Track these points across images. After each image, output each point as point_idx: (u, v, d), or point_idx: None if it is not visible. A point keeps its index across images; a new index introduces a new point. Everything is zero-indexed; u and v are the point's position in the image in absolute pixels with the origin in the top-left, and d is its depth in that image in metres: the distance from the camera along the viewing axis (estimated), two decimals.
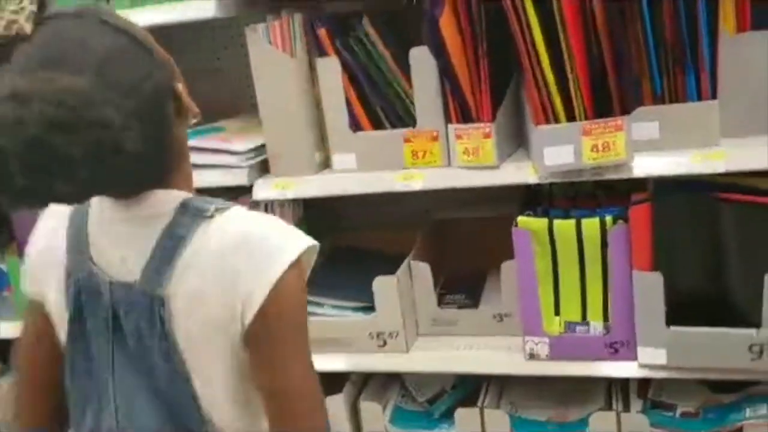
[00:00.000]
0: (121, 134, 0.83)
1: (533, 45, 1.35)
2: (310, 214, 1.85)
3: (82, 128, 0.81)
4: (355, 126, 1.58)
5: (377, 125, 1.58)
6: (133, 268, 0.96)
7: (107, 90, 0.84)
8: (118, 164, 0.85)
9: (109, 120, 0.83)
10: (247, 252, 0.93)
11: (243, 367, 0.99)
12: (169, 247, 0.94)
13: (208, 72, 2.03)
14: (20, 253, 1.95)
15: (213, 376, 0.98)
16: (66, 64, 0.84)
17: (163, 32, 1.66)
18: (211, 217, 0.95)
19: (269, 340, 0.95)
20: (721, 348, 1.42)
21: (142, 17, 1.61)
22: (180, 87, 0.97)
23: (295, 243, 0.95)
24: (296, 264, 0.93)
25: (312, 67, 1.60)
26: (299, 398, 0.97)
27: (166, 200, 0.96)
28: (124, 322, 0.97)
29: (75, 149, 0.81)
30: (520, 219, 1.50)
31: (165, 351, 0.96)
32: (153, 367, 0.98)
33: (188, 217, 0.95)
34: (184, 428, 0.99)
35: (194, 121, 1.00)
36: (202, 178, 1.67)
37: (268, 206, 1.80)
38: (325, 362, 1.68)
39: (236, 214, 0.97)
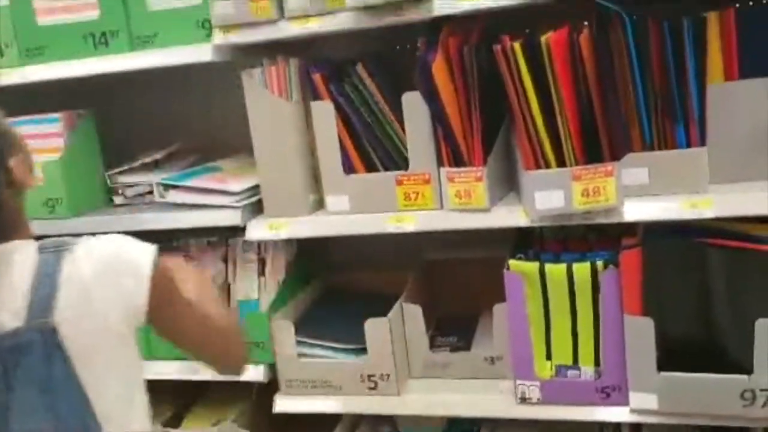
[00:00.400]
0: None
1: (524, 92, 1.38)
2: (303, 254, 1.86)
3: None
4: (349, 168, 1.60)
5: (370, 168, 1.59)
6: (7, 317, 1.05)
7: None
8: None
9: None
10: (120, 268, 1.11)
11: (131, 372, 1.17)
12: (45, 283, 1.06)
13: (206, 111, 2.05)
14: None
15: (105, 389, 1.11)
16: None
17: (163, 73, 1.70)
18: (70, 249, 1.09)
19: (163, 316, 1.16)
20: (713, 394, 1.42)
21: (141, 60, 1.65)
22: (13, 161, 1.09)
23: (147, 247, 1.15)
24: (156, 261, 1.13)
25: (307, 111, 1.62)
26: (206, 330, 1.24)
27: (15, 249, 1.09)
28: (17, 372, 1.05)
29: None
30: (512, 262, 1.51)
31: (65, 375, 1.06)
32: (54, 399, 1.05)
33: (51, 254, 1.08)
34: None
35: (32, 189, 1.15)
36: (195, 218, 1.70)
37: (261, 246, 1.81)
38: (315, 404, 1.69)
39: (91, 241, 1.12)
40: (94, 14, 1.68)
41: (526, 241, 1.64)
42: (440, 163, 1.51)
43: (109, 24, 1.68)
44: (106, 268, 1.09)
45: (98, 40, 1.69)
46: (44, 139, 1.80)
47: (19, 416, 1.05)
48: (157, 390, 1.96)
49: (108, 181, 1.88)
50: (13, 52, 1.75)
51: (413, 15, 1.43)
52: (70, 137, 1.81)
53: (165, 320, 1.18)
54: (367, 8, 1.45)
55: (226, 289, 1.84)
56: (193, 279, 1.31)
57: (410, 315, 1.67)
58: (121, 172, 1.88)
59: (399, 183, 1.55)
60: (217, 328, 1.26)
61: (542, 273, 1.50)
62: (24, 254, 1.08)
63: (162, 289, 1.14)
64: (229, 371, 1.37)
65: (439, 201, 1.53)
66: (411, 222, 1.54)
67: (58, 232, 1.79)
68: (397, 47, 1.75)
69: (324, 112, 1.57)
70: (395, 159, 1.57)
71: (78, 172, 1.82)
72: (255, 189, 1.69)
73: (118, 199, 1.88)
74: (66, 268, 1.07)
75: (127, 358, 1.15)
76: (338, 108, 1.57)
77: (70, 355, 1.06)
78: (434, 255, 1.88)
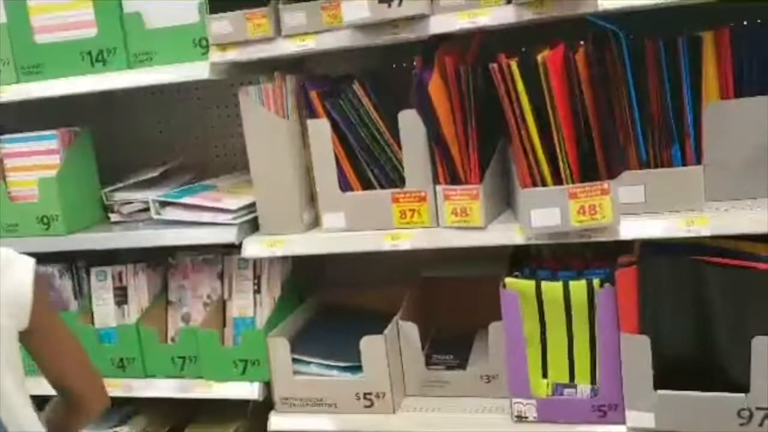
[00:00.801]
0: None
1: (520, 110, 1.38)
2: (299, 271, 1.86)
3: None
4: (345, 186, 1.59)
5: (367, 185, 1.59)
6: None
7: None
8: None
9: None
10: (6, 267, 1.21)
11: (21, 375, 1.25)
12: None
13: (203, 129, 2.06)
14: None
15: (3, 390, 1.19)
16: None
17: (159, 91, 1.71)
18: None
19: (44, 324, 1.25)
20: (711, 413, 1.41)
21: (139, 77, 1.66)
22: None
23: (24, 257, 1.26)
24: (36, 267, 1.24)
25: (303, 128, 1.62)
26: (81, 355, 1.32)
27: None
28: None
29: None
30: (508, 280, 1.50)
31: None
32: None
33: None
34: None
35: None
36: (191, 235, 1.70)
37: (257, 263, 1.81)
38: (310, 422, 1.68)
39: None
40: (91, 32, 1.69)
41: (522, 259, 1.63)
42: (436, 180, 1.51)
43: (106, 42, 1.68)
44: None
45: (96, 57, 1.69)
46: (41, 156, 1.80)
47: None
48: (152, 408, 1.97)
49: (104, 198, 1.88)
50: (11, 70, 1.75)
51: (409, 33, 1.44)
52: (66, 154, 1.81)
53: (45, 326, 1.25)
54: (364, 26, 1.45)
55: (222, 307, 1.83)
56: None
57: (406, 333, 1.66)
58: (117, 189, 1.88)
59: (395, 201, 1.55)
60: (86, 355, 1.34)
61: (538, 291, 1.49)
62: None
63: (43, 292, 1.26)
64: (90, 409, 1.35)
65: (436, 219, 1.53)
66: (407, 239, 1.53)
67: (54, 250, 1.80)
68: (394, 65, 1.76)
69: (320, 129, 1.58)
70: (391, 177, 1.57)
71: (74, 189, 1.82)
72: (251, 207, 1.69)
73: (114, 216, 1.87)
74: None
75: (17, 360, 1.23)
76: (334, 125, 1.57)
77: None
78: (430, 272, 1.87)
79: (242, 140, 1.64)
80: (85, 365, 1.33)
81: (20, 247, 1.80)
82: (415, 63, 1.52)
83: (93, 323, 1.86)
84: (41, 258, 1.84)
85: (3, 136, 1.83)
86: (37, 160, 1.80)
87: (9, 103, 1.74)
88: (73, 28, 1.71)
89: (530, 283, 1.50)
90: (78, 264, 1.91)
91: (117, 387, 1.79)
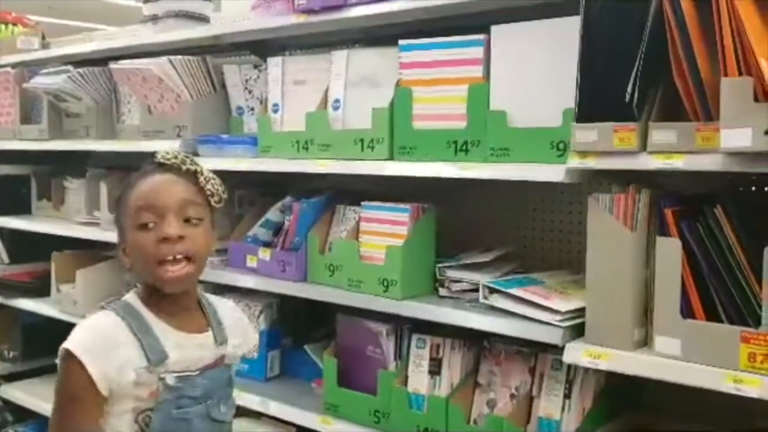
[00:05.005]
0: None
1: None
2: (613, 386, 1.78)
3: None
4: (686, 311, 1.51)
5: (711, 316, 1.49)
6: None
7: None
8: None
9: None
10: None
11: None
12: None
13: (534, 221, 2.11)
14: (337, 354, 2.16)
15: None
16: None
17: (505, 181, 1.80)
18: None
19: None
20: None
21: (495, 171, 1.77)
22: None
23: (75, 337, 1.40)
24: (69, 353, 1.38)
25: (649, 244, 1.58)
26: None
27: None
28: None
29: None
30: None
31: None
32: None
33: None
34: None
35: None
36: (515, 327, 1.73)
37: (572, 367, 1.77)
38: None
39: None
40: (461, 124, 1.85)
41: None
42: None
43: (472, 134, 1.83)
44: None
45: (460, 147, 1.85)
46: (392, 225, 2.00)
47: None
48: None
49: (437, 273, 2.01)
50: (384, 147, 1.98)
51: None
52: (413, 227, 1.98)
53: None
54: (743, 153, 1.38)
55: (528, 402, 1.83)
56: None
57: None
58: (449, 267, 2.00)
59: (745, 340, 1.42)
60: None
61: None
62: None
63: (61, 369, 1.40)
64: None
65: None
66: (753, 386, 1.39)
67: (387, 311, 1.97)
68: (754, 187, 1.63)
69: (670, 249, 1.52)
70: (742, 312, 1.45)
71: (414, 260, 1.98)
72: (580, 311, 1.68)
73: (442, 291, 1.99)
74: None
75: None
76: (686, 247, 1.50)
77: None
78: (762, 421, 1.67)
79: (574, 240, 1.64)
80: None
81: (359, 302, 2.03)
82: None
83: (406, 386, 1.99)
84: (374, 315, 2.05)
85: (364, 202, 2.07)
86: (389, 229, 2.01)
87: (379, 176, 1.97)
88: (445, 119, 1.88)
89: None
90: (403, 327, 2.06)
91: None
